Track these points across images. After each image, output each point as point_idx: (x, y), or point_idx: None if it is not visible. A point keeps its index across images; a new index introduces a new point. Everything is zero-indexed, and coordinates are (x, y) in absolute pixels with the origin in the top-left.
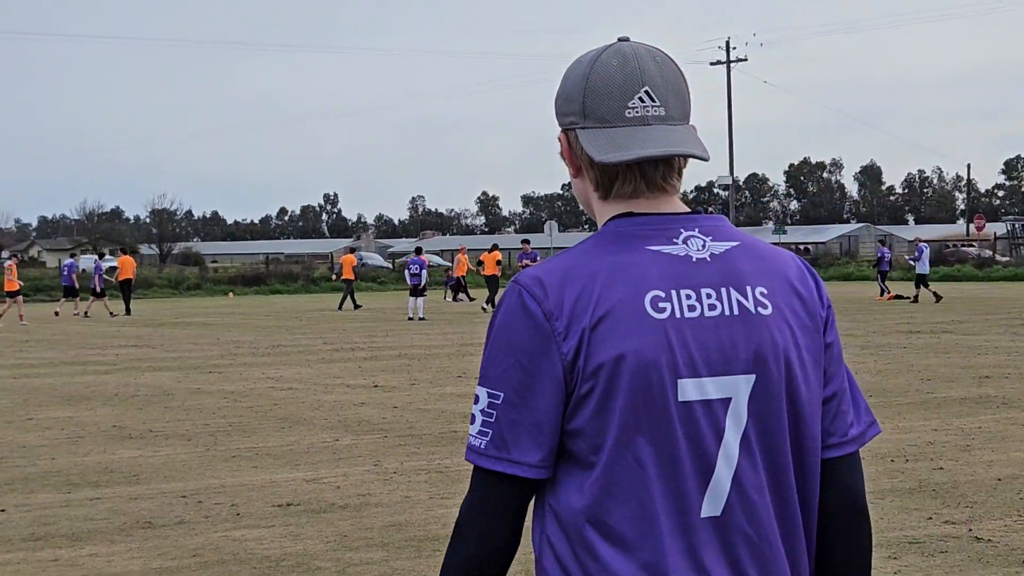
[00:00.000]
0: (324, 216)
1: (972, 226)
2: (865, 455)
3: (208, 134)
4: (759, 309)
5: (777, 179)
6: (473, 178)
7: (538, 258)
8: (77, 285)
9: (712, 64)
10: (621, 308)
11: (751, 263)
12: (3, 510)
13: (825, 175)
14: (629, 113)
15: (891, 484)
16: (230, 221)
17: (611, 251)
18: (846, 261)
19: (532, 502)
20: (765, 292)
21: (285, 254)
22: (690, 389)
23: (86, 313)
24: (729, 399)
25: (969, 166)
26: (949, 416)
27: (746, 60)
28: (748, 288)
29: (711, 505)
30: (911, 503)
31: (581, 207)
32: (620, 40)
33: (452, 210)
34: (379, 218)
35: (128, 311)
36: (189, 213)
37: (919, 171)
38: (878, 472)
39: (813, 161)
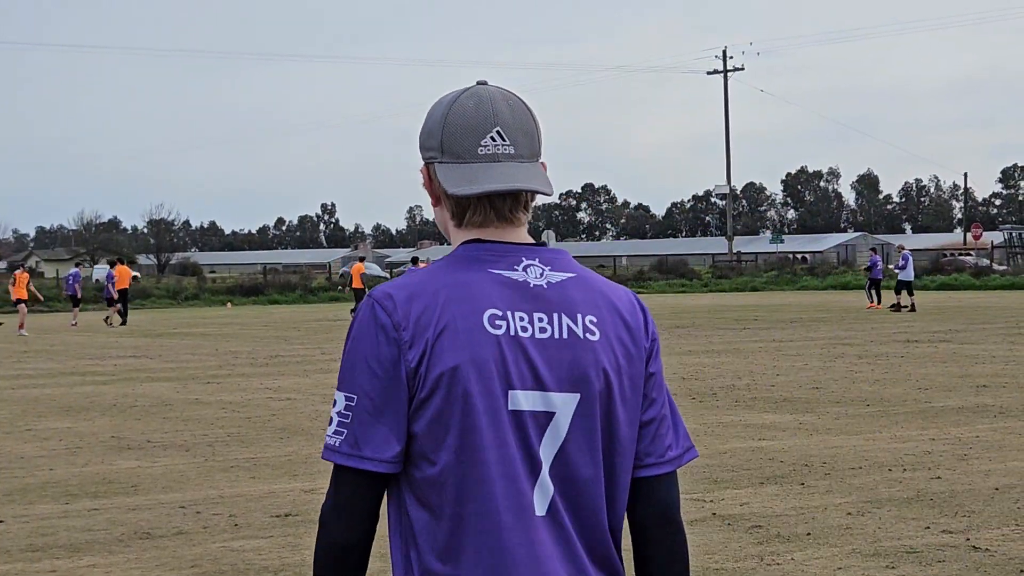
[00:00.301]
0: (322, 226)
1: (969, 235)
2: (861, 463)
3: (206, 144)
4: (587, 335)
5: (774, 188)
6: None
7: None
8: (80, 295)
9: (709, 73)
10: (461, 322)
11: (583, 294)
12: (2, 521)
13: (822, 184)
14: (481, 150)
15: (888, 493)
16: (228, 231)
17: (457, 271)
18: (843, 270)
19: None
20: (594, 320)
21: (283, 264)
22: (520, 400)
23: (108, 321)
24: (553, 413)
25: (966, 175)
26: (947, 425)
27: (743, 69)
28: (579, 315)
29: (540, 505)
30: (909, 512)
31: (440, 231)
32: (478, 83)
33: None
34: (377, 228)
35: (124, 321)
36: (187, 223)
37: (916, 180)
38: (875, 481)
39: (810, 170)
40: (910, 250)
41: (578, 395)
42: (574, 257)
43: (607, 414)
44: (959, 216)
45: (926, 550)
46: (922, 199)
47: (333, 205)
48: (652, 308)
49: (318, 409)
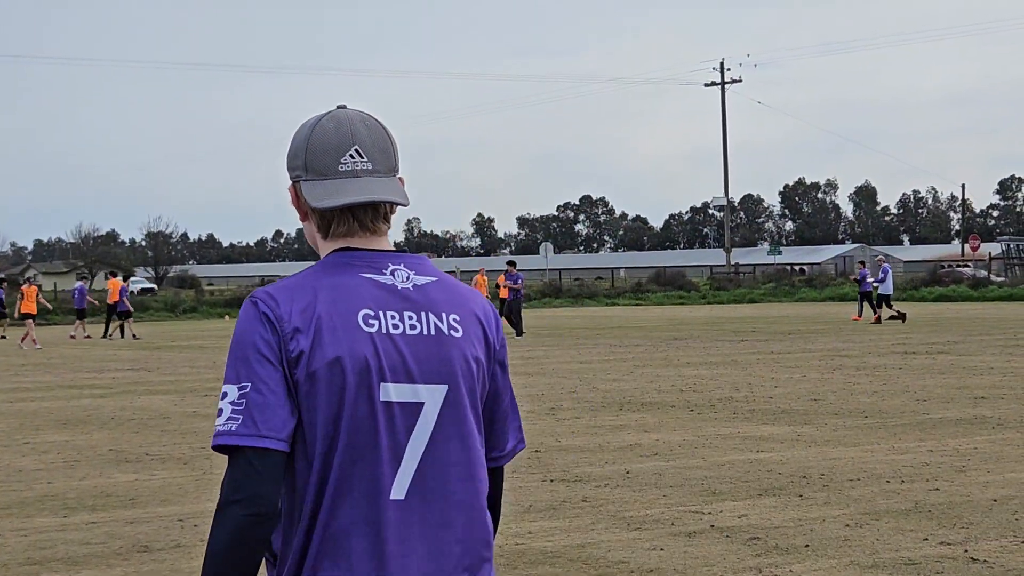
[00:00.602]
0: None
1: (967, 246)
2: (860, 475)
3: (203, 157)
4: (452, 332)
5: (772, 200)
6: (468, 200)
7: (520, 281)
8: (86, 307)
9: (707, 85)
10: (338, 320)
11: (445, 295)
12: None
13: (820, 196)
14: (342, 167)
15: (887, 505)
16: (226, 244)
17: (332, 275)
18: (841, 282)
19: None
20: (457, 319)
21: (281, 276)
22: (391, 391)
23: (133, 335)
24: (423, 403)
25: (964, 186)
26: (945, 437)
27: (740, 81)
28: (443, 314)
29: (398, 490)
30: (907, 524)
31: (309, 244)
32: (338, 107)
33: (447, 232)
34: None
35: (115, 335)
36: (185, 236)
37: (914, 191)
38: (873, 493)
39: (808, 182)
40: (906, 262)
41: (445, 386)
42: (565, 270)
43: (472, 406)
44: (957, 227)
45: (924, 562)
46: (920, 210)
47: None
48: (649, 320)
49: None
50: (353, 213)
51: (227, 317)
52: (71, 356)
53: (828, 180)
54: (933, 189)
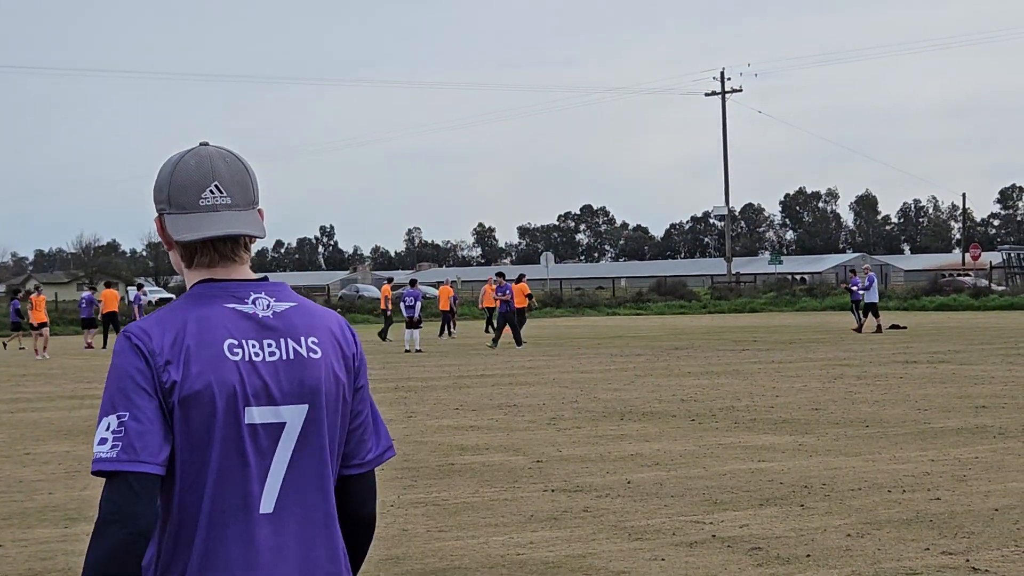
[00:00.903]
0: (320, 248)
1: (968, 255)
2: (861, 485)
3: None
4: (310, 354)
5: (773, 209)
6: (469, 209)
7: (509, 291)
8: (93, 316)
9: (707, 95)
10: (206, 350)
11: (304, 320)
12: (0, 546)
13: (821, 205)
14: (202, 202)
15: (888, 515)
16: None
17: (199, 307)
18: (842, 291)
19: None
20: (316, 342)
21: None
22: (255, 414)
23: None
24: (284, 423)
25: (964, 195)
26: (946, 446)
27: (741, 91)
28: (302, 338)
29: (267, 504)
30: (908, 534)
31: (176, 271)
32: (201, 144)
33: (448, 242)
34: (375, 250)
35: (105, 344)
36: None
37: (914, 200)
38: (875, 503)
39: (808, 191)
40: (907, 271)
41: (306, 406)
42: (566, 279)
43: (331, 422)
44: (958, 236)
45: (926, 571)
46: (921, 219)
47: (332, 228)
48: (650, 329)
49: None
50: (214, 245)
51: None
52: (72, 367)
53: (829, 189)
54: (934, 198)
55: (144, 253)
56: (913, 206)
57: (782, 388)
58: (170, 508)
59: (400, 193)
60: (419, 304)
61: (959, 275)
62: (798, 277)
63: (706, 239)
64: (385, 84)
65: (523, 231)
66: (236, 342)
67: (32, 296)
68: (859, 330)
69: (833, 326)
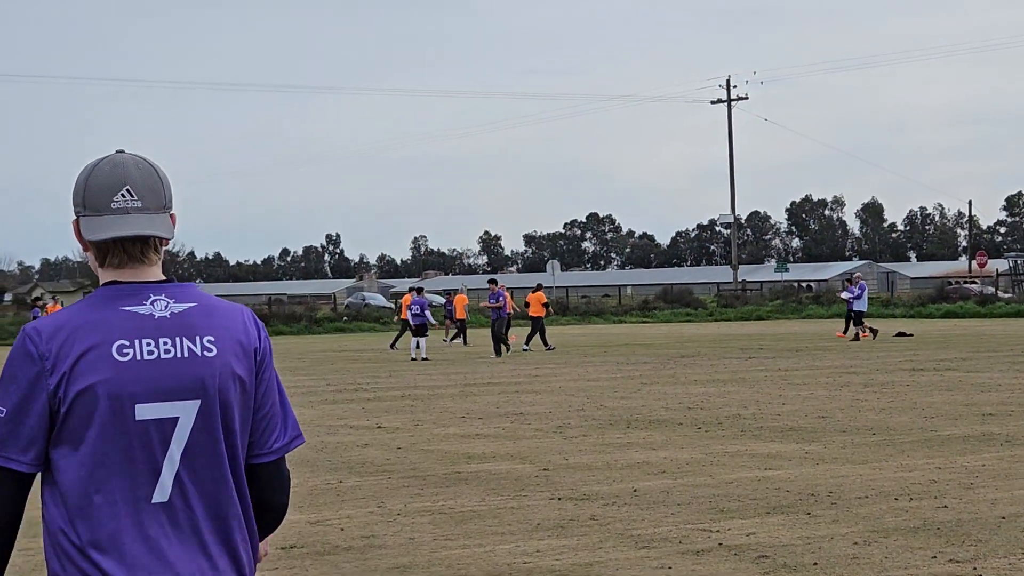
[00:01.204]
0: (327, 257)
1: (974, 263)
2: (868, 493)
3: (210, 175)
4: (205, 353)
5: (779, 217)
6: (475, 217)
7: (502, 298)
8: None
9: (713, 103)
10: (94, 352)
11: (203, 319)
12: None
13: (827, 212)
14: (114, 205)
15: (895, 523)
16: (232, 262)
17: (95, 309)
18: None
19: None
20: (212, 340)
21: (288, 295)
22: (145, 411)
23: None
24: (177, 418)
25: (971, 203)
26: (953, 454)
27: (747, 98)
28: (197, 337)
29: (160, 494)
30: (915, 542)
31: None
32: (117, 152)
33: (454, 250)
34: (381, 258)
35: None
36: (192, 254)
37: (921, 208)
38: (882, 511)
39: (815, 198)
40: (913, 278)
41: (198, 401)
42: (572, 287)
43: (225, 415)
44: (964, 244)
45: None
46: (927, 227)
47: (338, 236)
48: (657, 337)
49: (324, 440)
50: (123, 246)
51: None
52: None
53: (835, 197)
54: (940, 206)
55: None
56: (919, 213)
57: (788, 396)
58: (68, 500)
59: (406, 201)
60: (428, 312)
61: (966, 283)
62: (804, 285)
63: (712, 247)
64: (390, 92)
65: (529, 239)
66: (127, 343)
67: (48, 306)
68: (844, 335)
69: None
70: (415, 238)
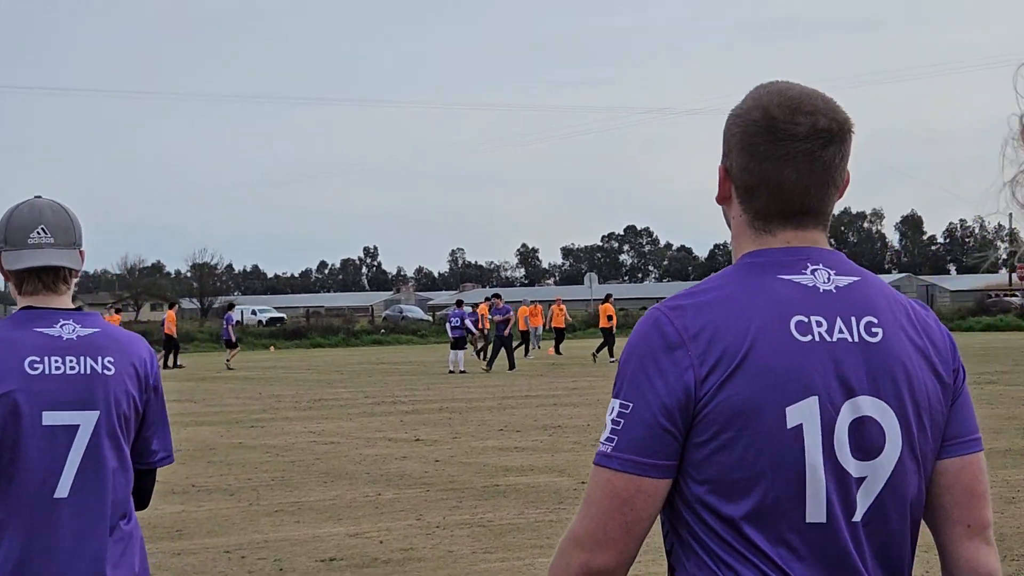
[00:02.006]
0: (364, 269)
1: (1015, 275)
2: None
3: (247, 188)
4: (104, 371)
5: None
6: (512, 230)
7: (509, 313)
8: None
9: None
10: (11, 364)
11: (105, 341)
12: None
13: (866, 225)
14: (30, 241)
15: (924, 541)
16: (270, 275)
17: (11, 330)
18: None
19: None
20: (111, 360)
21: (325, 307)
22: (51, 417)
23: (228, 365)
24: (78, 425)
25: (1011, 215)
26: (994, 468)
27: None
28: (99, 357)
29: (62, 490)
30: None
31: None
32: (35, 197)
33: (492, 262)
34: (419, 271)
35: (177, 364)
36: (230, 267)
37: (960, 220)
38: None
39: (854, 211)
40: (953, 291)
41: (96, 412)
42: (615, 299)
43: (122, 423)
44: (1004, 257)
45: None
46: (967, 240)
47: (375, 248)
48: None
49: (362, 453)
50: (39, 276)
51: (272, 348)
52: None
53: (874, 210)
54: (980, 218)
55: (188, 274)
56: (959, 226)
57: None
58: None
59: (444, 214)
60: (470, 323)
61: (1006, 295)
62: None
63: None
64: (428, 104)
65: (566, 252)
66: (38, 359)
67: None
68: None
69: None
70: (452, 251)
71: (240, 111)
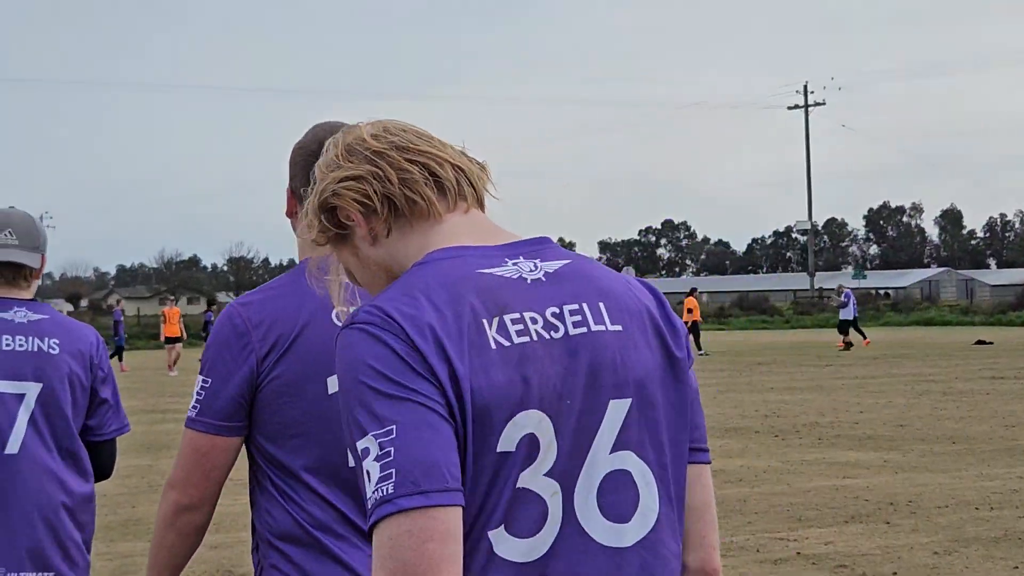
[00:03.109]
0: None
1: None
2: (948, 502)
3: (285, 182)
4: (50, 350)
5: (856, 224)
6: (549, 224)
7: None
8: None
9: (790, 108)
10: None
11: (51, 327)
12: None
13: (905, 219)
14: None
15: (975, 532)
16: None
17: None
18: (927, 306)
19: None
20: (58, 342)
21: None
22: (2, 386)
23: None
24: (24, 394)
25: None
26: None
27: (824, 104)
28: (46, 338)
29: (12, 447)
30: (996, 551)
31: None
32: (9, 207)
33: None
34: None
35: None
36: (266, 261)
37: (1000, 214)
38: (962, 520)
39: (893, 205)
40: (993, 286)
41: (40, 384)
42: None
43: (63, 396)
44: None
45: None
46: (1007, 234)
47: None
48: (732, 344)
49: None
50: (1, 271)
51: None
52: (154, 381)
53: (913, 203)
54: (1020, 212)
55: (225, 268)
56: (999, 220)
57: (866, 404)
58: None
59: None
60: None
61: None
62: (882, 292)
63: (788, 254)
64: (462, 99)
65: (604, 246)
66: None
67: (165, 309)
68: (848, 346)
69: (918, 341)
70: None
71: (274, 105)
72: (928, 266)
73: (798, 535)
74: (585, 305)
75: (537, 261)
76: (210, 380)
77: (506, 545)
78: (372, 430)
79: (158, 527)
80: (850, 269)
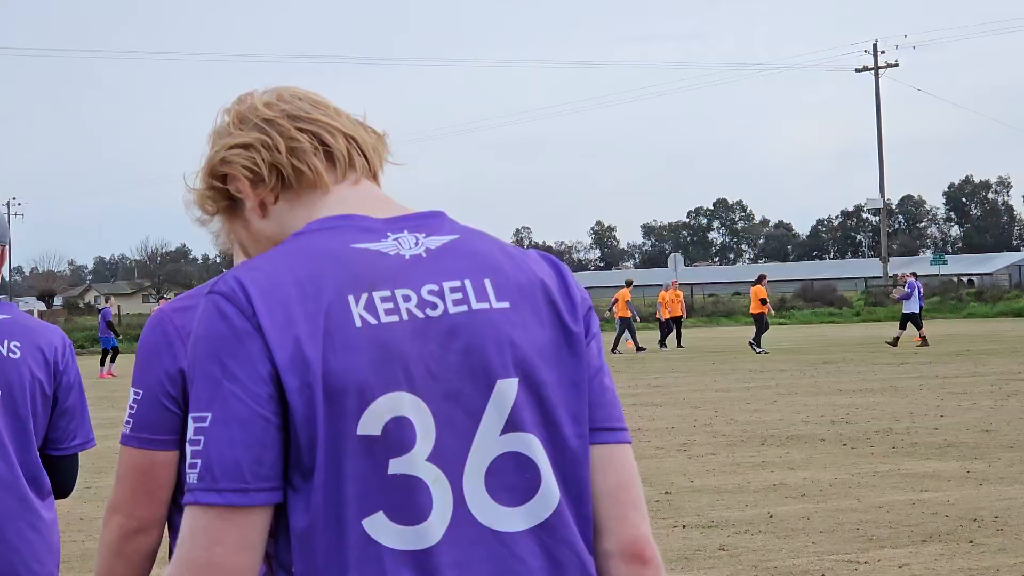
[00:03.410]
0: None
1: None
2: None
3: None
4: (10, 354)
5: (935, 201)
6: (586, 206)
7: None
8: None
9: (858, 71)
10: None
11: (12, 329)
12: None
13: (991, 196)
14: None
15: None
16: None
17: None
18: (1016, 294)
19: None
20: (18, 345)
21: None
22: None
23: None
24: None
25: None
26: None
27: (897, 65)
28: (6, 341)
29: None
30: None
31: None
32: None
33: (562, 242)
34: None
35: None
36: None
37: None
38: None
39: (976, 180)
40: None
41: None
42: (698, 284)
43: (24, 403)
44: None
45: None
46: None
47: None
48: (796, 340)
49: None
50: None
51: None
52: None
53: (1000, 178)
54: None
55: (218, 259)
56: None
57: (947, 407)
58: None
59: (507, 187)
60: None
61: None
62: (965, 279)
63: (858, 236)
64: (489, 63)
65: (648, 230)
66: None
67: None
68: (896, 342)
69: (1006, 335)
70: (517, 229)
71: (277, 72)
72: (1017, 249)
73: (869, 557)
74: (468, 282)
75: (420, 236)
76: (141, 392)
77: (388, 533)
78: (193, 411)
79: (102, 556)
80: (928, 253)
